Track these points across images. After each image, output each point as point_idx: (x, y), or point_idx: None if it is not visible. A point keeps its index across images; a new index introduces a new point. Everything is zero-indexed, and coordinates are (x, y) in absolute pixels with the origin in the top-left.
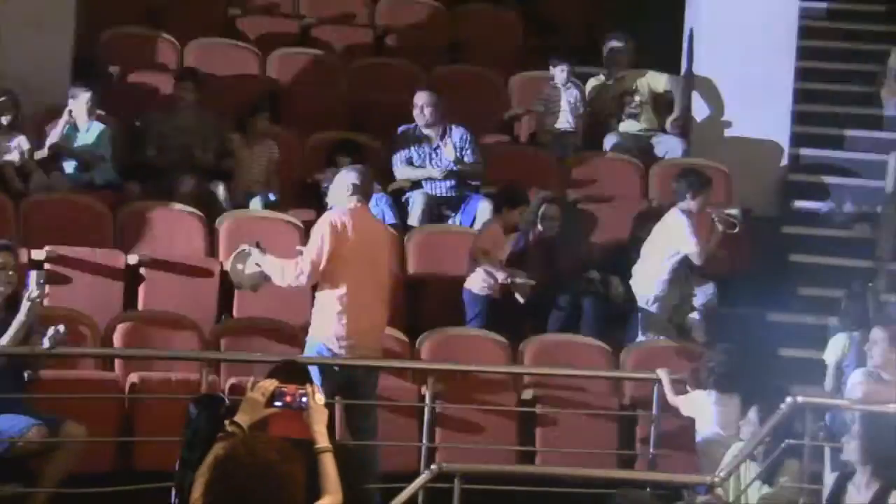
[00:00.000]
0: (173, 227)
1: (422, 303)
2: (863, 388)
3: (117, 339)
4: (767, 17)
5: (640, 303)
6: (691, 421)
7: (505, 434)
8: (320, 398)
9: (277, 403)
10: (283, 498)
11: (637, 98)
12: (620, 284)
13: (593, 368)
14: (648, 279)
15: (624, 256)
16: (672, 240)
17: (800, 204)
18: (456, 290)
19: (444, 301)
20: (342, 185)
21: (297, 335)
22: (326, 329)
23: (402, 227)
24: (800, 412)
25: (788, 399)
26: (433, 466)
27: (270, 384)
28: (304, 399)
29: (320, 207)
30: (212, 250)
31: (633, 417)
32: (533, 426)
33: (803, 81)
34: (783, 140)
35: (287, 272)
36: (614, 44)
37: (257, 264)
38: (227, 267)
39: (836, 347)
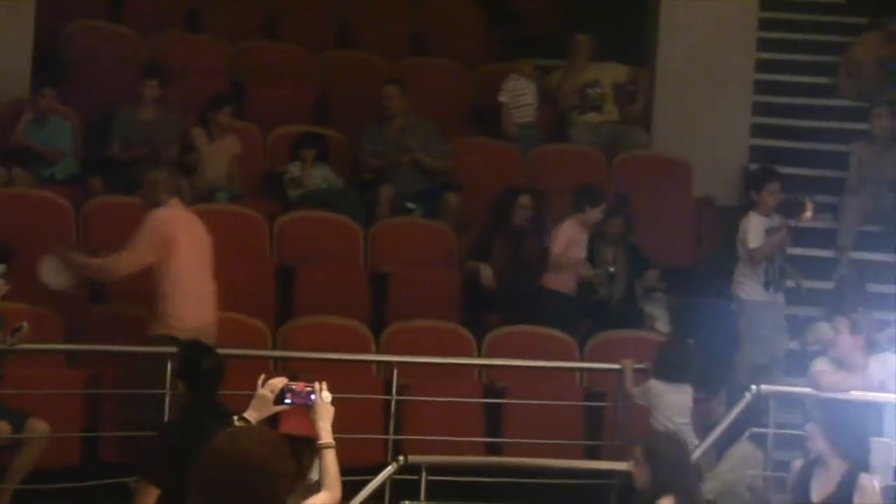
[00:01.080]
0: (137, 222)
1: (386, 295)
2: (826, 376)
3: (82, 333)
4: (729, 9)
5: None
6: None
7: (471, 425)
8: (327, 395)
9: (287, 401)
10: (262, 489)
11: (598, 90)
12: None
13: (558, 359)
14: None
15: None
16: None
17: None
18: (420, 281)
19: (409, 293)
20: (154, 185)
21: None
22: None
23: (368, 219)
24: (764, 401)
25: (752, 388)
26: (399, 458)
27: (280, 381)
28: (311, 396)
29: (284, 200)
30: None
31: (598, 408)
32: (499, 417)
33: (763, 72)
34: (744, 131)
35: (117, 266)
36: (577, 36)
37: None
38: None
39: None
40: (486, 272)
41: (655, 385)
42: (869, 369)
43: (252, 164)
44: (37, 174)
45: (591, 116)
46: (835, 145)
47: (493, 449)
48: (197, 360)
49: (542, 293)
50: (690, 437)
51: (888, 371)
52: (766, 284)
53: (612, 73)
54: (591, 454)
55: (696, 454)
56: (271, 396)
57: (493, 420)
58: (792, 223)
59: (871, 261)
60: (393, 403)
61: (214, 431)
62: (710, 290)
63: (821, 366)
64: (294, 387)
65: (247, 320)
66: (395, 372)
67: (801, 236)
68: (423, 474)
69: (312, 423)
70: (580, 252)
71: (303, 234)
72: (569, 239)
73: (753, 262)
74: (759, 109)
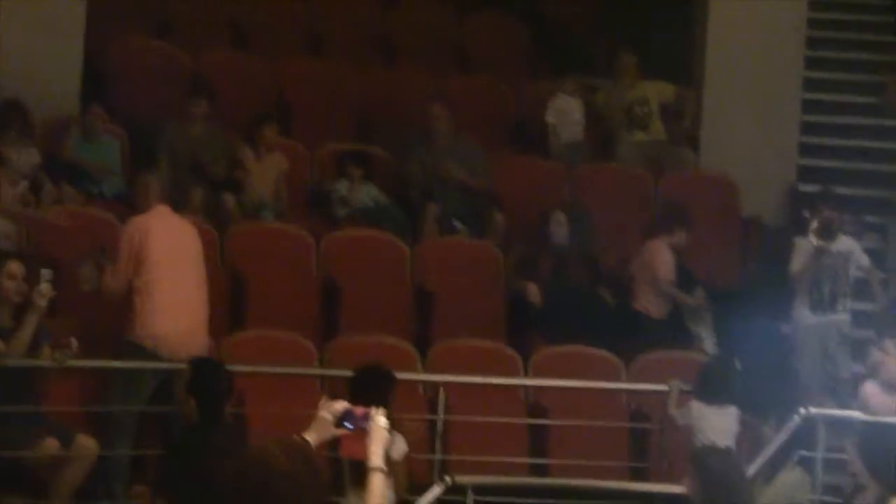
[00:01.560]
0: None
1: (432, 314)
2: (875, 398)
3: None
4: (776, 28)
5: None
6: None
7: (516, 446)
8: (382, 420)
9: (347, 424)
10: (289, 499)
11: (645, 108)
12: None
13: (604, 379)
14: None
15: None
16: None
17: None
18: (465, 300)
19: (454, 311)
20: (144, 190)
21: None
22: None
23: (413, 236)
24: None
25: (801, 410)
26: (445, 478)
27: (340, 405)
28: (368, 422)
29: (330, 218)
30: (222, 261)
31: (643, 429)
32: (545, 438)
33: (811, 91)
34: (791, 150)
35: (109, 281)
36: (623, 54)
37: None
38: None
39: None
40: (533, 290)
41: (697, 406)
42: None
43: (298, 182)
44: (85, 191)
45: (638, 135)
46: (884, 165)
47: (538, 470)
48: (208, 379)
49: (631, 315)
50: None
51: None
52: (813, 307)
53: (659, 92)
54: (637, 476)
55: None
56: (331, 419)
57: (539, 440)
58: (826, 245)
59: None
60: (439, 423)
61: (220, 448)
62: (758, 311)
63: (870, 388)
64: (354, 411)
65: (292, 338)
66: (441, 391)
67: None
68: (470, 495)
69: (367, 448)
70: (672, 275)
71: (349, 251)
72: (669, 262)
73: (797, 284)
74: (807, 128)
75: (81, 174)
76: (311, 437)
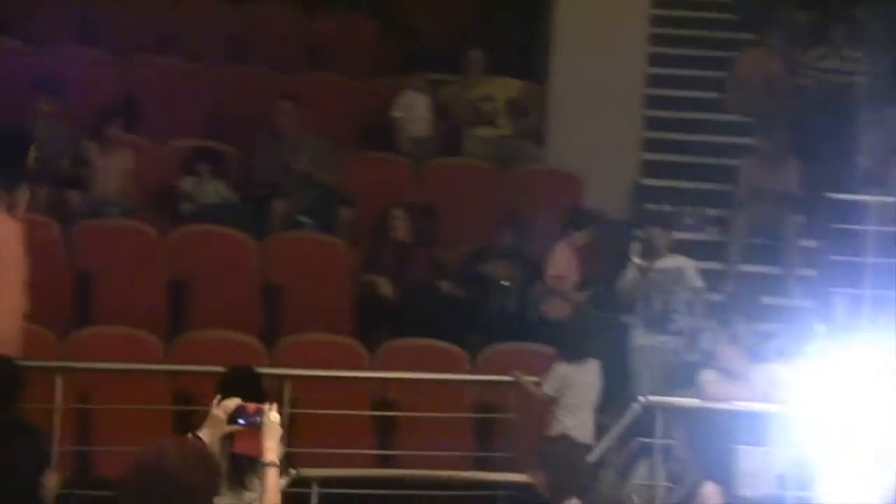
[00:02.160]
0: (28, 237)
1: (280, 308)
2: (711, 386)
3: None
4: (620, 25)
5: None
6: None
7: (363, 438)
8: (275, 416)
9: (241, 421)
10: (175, 499)
11: (492, 104)
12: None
13: (449, 372)
14: None
15: (479, 261)
16: None
17: (652, 207)
18: (313, 295)
19: (302, 306)
20: None
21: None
22: None
23: (261, 234)
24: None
25: (640, 398)
26: (290, 471)
27: (233, 403)
28: (260, 418)
29: (176, 215)
30: (68, 259)
31: (488, 420)
32: (392, 430)
33: (654, 88)
34: (635, 145)
35: None
36: (470, 50)
37: None
38: None
39: None
40: (384, 283)
41: (563, 368)
42: (753, 379)
43: (145, 179)
44: None
45: (485, 131)
46: (724, 159)
47: (386, 462)
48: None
49: (542, 321)
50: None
51: (772, 381)
52: (646, 325)
53: (505, 88)
54: (482, 466)
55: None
56: (224, 417)
57: (387, 433)
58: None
59: (760, 273)
60: (285, 416)
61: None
62: (601, 304)
63: (707, 376)
64: (246, 408)
65: (139, 334)
66: (289, 385)
67: (693, 249)
68: (315, 487)
69: (260, 442)
70: (572, 275)
71: (196, 248)
72: (562, 262)
73: (627, 303)
74: (650, 124)
75: None
76: (205, 434)
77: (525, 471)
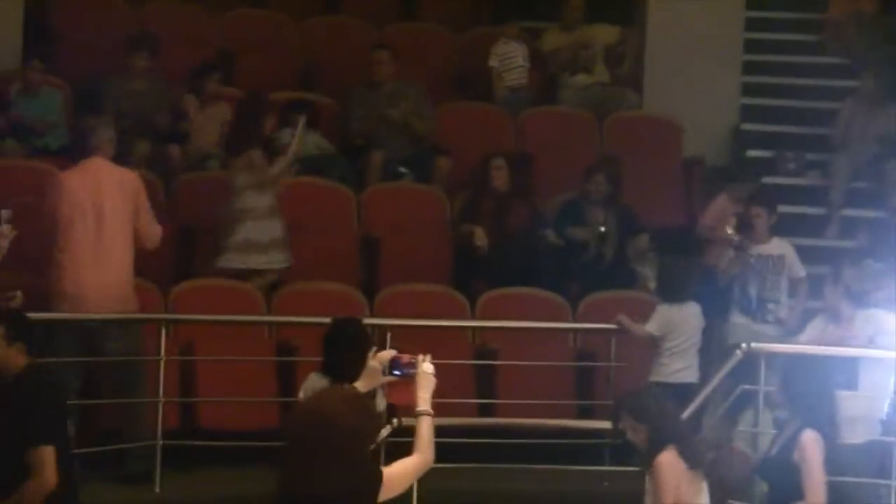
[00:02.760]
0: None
1: (378, 260)
2: (813, 332)
3: None
4: None
5: None
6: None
7: (464, 388)
8: (428, 367)
9: (395, 372)
10: (338, 445)
11: (589, 51)
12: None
13: (550, 320)
14: None
15: (577, 208)
16: None
17: (752, 153)
18: (412, 246)
19: (401, 257)
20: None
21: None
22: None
23: (359, 185)
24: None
25: (743, 345)
26: (393, 421)
27: (388, 354)
28: (414, 369)
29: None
30: (170, 212)
31: (590, 368)
32: (493, 380)
33: (752, 31)
34: (734, 90)
35: None
36: None
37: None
38: None
39: None
40: (479, 233)
41: (666, 309)
42: (857, 323)
43: None
44: (29, 145)
45: (582, 78)
46: (825, 103)
47: (485, 411)
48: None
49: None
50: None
51: (878, 326)
52: (742, 310)
53: (602, 35)
54: (584, 415)
55: (692, 409)
56: (380, 368)
57: (486, 382)
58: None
59: (862, 218)
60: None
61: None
62: (700, 250)
63: (817, 322)
64: (400, 359)
65: (241, 287)
66: (389, 336)
67: (792, 195)
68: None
69: (415, 393)
70: (725, 226)
71: (295, 200)
72: (716, 212)
73: (725, 283)
74: (748, 68)
75: (24, 129)
76: (362, 385)
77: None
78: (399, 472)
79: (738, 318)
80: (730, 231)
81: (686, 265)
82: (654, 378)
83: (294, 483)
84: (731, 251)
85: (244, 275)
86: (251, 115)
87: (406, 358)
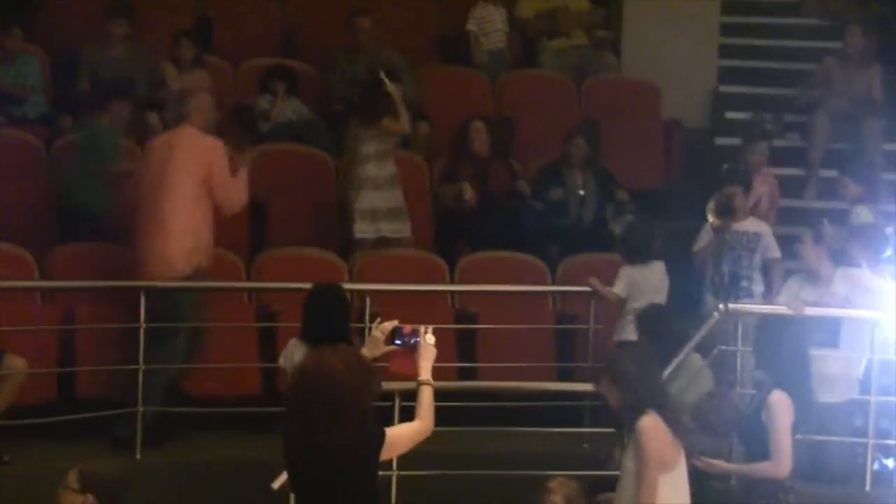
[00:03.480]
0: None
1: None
2: (789, 292)
3: (56, 271)
4: None
5: None
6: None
7: (444, 351)
8: (430, 338)
9: (397, 342)
10: (340, 402)
11: (567, 15)
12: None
13: (529, 283)
14: None
15: (556, 170)
16: None
17: (730, 115)
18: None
19: None
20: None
21: None
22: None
23: (339, 151)
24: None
25: (720, 306)
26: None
27: (390, 324)
28: (416, 339)
29: (254, 133)
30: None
31: (570, 331)
32: (473, 343)
33: None
34: (712, 52)
35: None
36: None
37: None
38: None
39: None
40: (467, 186)
41: (628, 272)
42: (836, 283)
43: (221, 98)
44: (7, 113)
45: (560, 42)
46: (803, 64)
47: (466, 374)
48: None
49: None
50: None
51: (856, 285)
52: (714, 291)
53: (574, 4)
54: (565, 377)
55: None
56: (382, 337)
57: (467, 346)
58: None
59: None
60: (366, 331)
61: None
62: (680, 213)
63: (793, 283)
64: (403, 329)
65: (221, 253)
66: (368, 300)
67: (773, 156)
68: (397, 401)
69: (415, 363)
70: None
71: (274, 166)
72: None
73: (699, 265)
74: (726, 30)
75: (2, 97)
76: (366, 352)
77: (596, 386)
78: (401, 435)
79: (710, 300)
80: (711, 219)
81: (649, 225)
82: (618, 337)
83: (299, 439)
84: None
85: (378, 244)
86: (379, 85)
87: (408, 328)
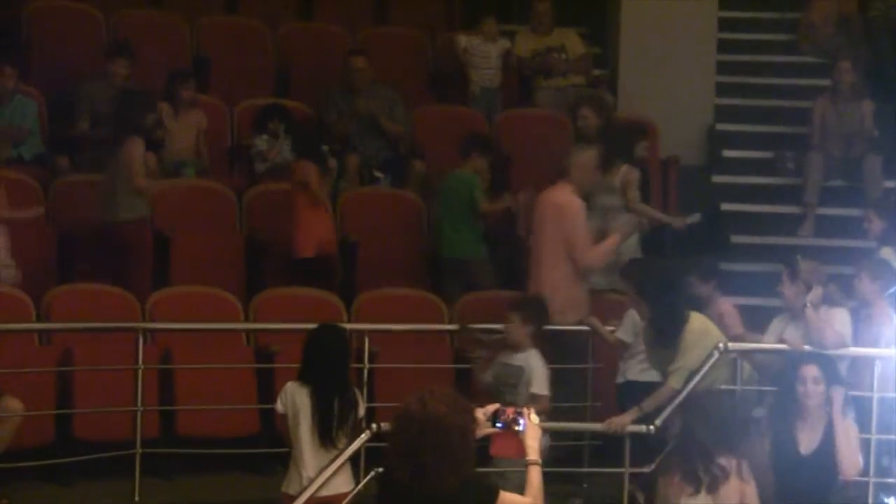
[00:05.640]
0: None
1: (355, 264)
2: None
3: (54, 312)
4: None
5: None
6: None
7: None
8: (535, 418)
9: (498, 425)
10: (450, 445)
11: (563, 55)
12: None
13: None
14: None
15: None
16: None
17: (727, 153)
18: (388, 250)
19: (379, 261)
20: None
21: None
22: None
23: (334, 188)
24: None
25: (720, 344)
26: (372, 426)
27: (492, 407)
28: (520, 420)
29: (251, 174)
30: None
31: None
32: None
33: (726, 31)
34: (708, 90)
35: None
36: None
37: None
38: None
39: None
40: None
41: (634, 314)
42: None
43: (218, 139)
44: (3, 155)
45: (557, 81)
46: (798, 101)
47: None
48: None
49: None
50: None
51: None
52: None
53: (575, 38)
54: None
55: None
56: (484, 419)
57: (466, 386)
58: None
59: (837, 216)
60: (365, 373)
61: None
62: (678, 250)
63: (777, 323)
64: (504, 412)
65: (217, 294)
66: (367, 340)
67: (767, 194)
68: None
69: (518, 444)
70: None
71: (271, 206)
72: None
73: None
74: (722, 68)
75: None
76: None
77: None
78: (510, 501)
79: None
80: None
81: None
82: (622, 379)
83: (408, 485)
84: None
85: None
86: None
87: (509, 411)
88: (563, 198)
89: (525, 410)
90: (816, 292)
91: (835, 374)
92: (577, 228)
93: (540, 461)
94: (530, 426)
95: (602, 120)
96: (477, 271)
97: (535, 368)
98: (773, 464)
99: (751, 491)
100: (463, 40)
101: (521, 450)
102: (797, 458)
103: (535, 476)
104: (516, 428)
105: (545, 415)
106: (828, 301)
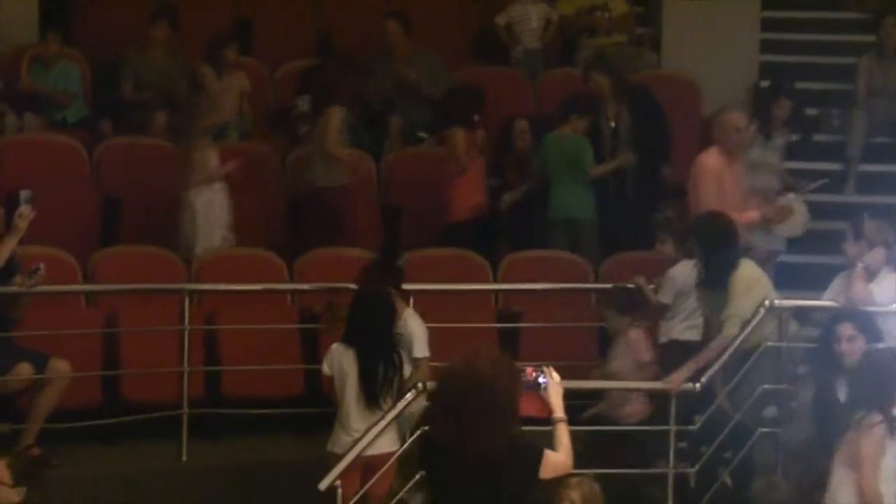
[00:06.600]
0: (148, 162)
1: (400, 226)
2: (833, 291)
3: (100, 274)
4: None
5: None
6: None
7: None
8: (556, 375)
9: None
10: (497, 405)
11: (606, 13)
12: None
13: (572, 282)
14: None
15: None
16: None
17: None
18: (431, 212)
19: (422, 223)
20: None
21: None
22: None
23: (378, 150)
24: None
25: (766, 302)
26: (418, 385)
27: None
28: (541, 379)
29: (293, 135)
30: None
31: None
32: (517, 343)
33: None
34: (752, 47)
35: None
36: None
37: None
38: None
39: None
40: (505, 198)
41: (675, 275)
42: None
43: (260, 101)
44: (48, 118)
45: (600, 39)
46: (843, 58)
47: None
48: None
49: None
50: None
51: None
52: None
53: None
54: None
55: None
56: None
57: (511, 345)
58: None
59: (880, 173)
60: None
61: None
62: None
63: (839, 281)
64: (525, 372)
65: (262, 254)
66: (411, 300)
67: (809, 150)
68: None
69: (542, 403)
70: None
71: None
72: None
73: None
74: (767, 25)
75: (43, 102)
76: None
77: None
78: (554, 459)
79: None
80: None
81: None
82: (665, 338)
83: (453, 443)
84: None
85: None
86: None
87: (528, 371)
88: (699, 160)
89: (546, 369)
90: (878, 253)
91: (872, 331)
92: (695, 187)
93: (565, 417)
94: (552, 383)
95: (612, 80)
96: (587, 233)
97: (414, 331)
98: (814, 413)
99: None
100: (503, 18)
101: (546, 408)
102: (838, 407)
103: (563, 433)
104: (540, 384)
105: (427, 378)
106: (893, 262)
